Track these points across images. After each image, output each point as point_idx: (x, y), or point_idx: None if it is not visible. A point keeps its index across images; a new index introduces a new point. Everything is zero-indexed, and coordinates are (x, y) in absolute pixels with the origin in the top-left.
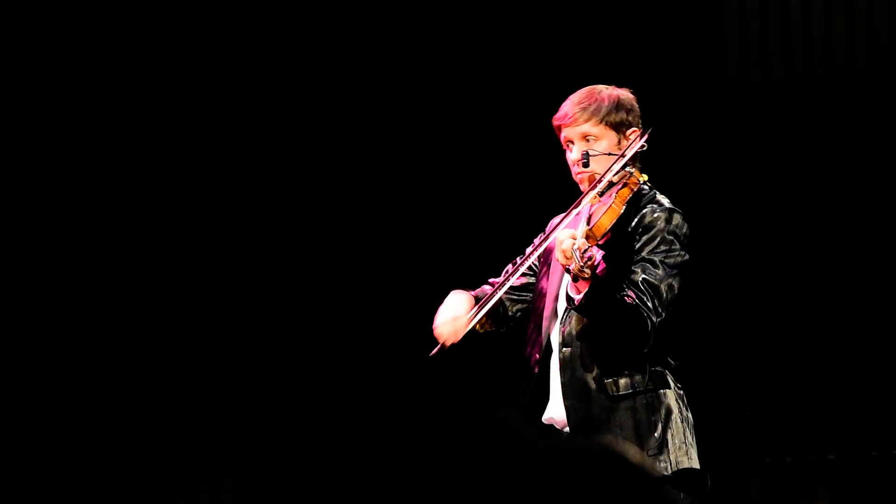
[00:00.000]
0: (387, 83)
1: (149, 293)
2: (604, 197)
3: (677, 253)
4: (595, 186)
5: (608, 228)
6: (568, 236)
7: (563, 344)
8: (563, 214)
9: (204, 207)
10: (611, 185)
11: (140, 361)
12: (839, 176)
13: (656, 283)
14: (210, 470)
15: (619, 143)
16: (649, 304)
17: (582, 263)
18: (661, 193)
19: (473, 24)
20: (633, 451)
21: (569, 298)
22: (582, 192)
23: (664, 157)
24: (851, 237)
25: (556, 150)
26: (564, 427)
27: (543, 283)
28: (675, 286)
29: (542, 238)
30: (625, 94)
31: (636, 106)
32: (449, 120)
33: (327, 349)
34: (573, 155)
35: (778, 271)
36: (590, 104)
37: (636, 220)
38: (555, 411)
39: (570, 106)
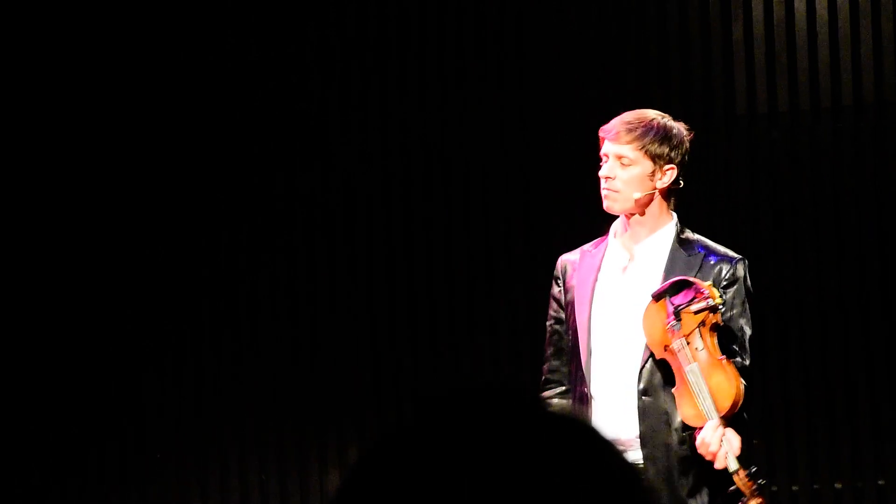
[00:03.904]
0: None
1: (146, 294)
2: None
3: (751, 300)
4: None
5: (739, 401)
6: (716, 456)
7: (644, 392)
8: (578, 258)
9: (202, 211)
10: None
11: (137, 362)
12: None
13: (750, 331)
14: (208, 471)
15: (652, 174)
16: (748, 364)
17: (749, 493)
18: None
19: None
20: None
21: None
22: (605, 209)
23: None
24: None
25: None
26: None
27: (572, 321)
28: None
29: (563, 288)
30: (678, 129)
31: (686, 143)
32: (448, 119)
33: (328, 349)
34: (602, 171)
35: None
36: (636, 127)
37: (713, 274)
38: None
39: (617, 122)
